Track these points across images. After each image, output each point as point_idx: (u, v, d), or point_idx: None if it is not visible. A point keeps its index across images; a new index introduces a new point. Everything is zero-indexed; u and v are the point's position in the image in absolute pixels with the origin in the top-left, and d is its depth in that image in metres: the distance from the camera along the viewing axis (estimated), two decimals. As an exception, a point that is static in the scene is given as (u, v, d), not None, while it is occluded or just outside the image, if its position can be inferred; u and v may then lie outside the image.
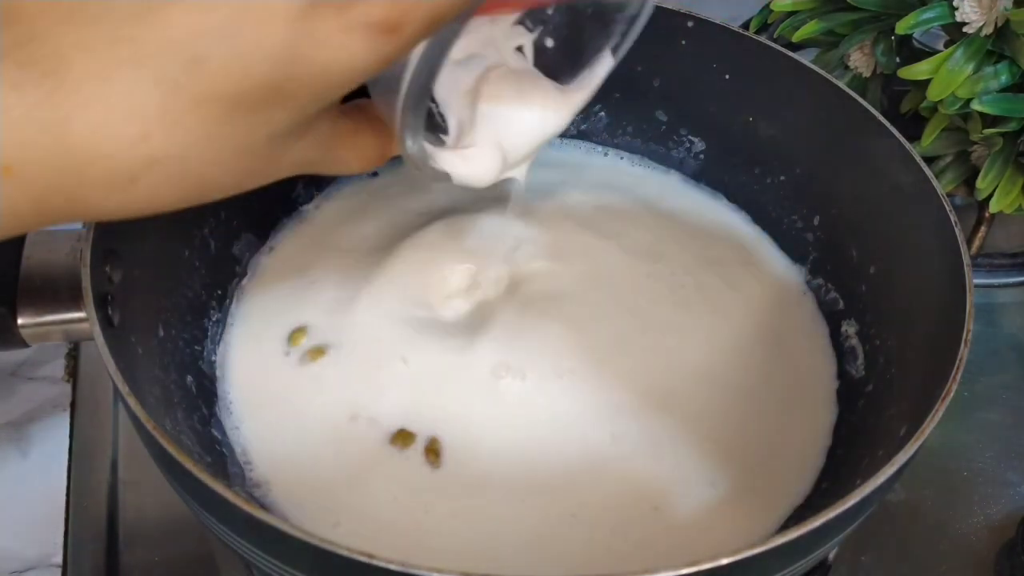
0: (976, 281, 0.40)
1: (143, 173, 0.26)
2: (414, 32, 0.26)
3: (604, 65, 0.39)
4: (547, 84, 0.39)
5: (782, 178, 0.54)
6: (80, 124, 0.24)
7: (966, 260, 0.40)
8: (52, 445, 0.49)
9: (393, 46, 0.26)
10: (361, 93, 0.31)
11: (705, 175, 0.57)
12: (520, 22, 0.39)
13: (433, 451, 0.42)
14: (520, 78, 0.38)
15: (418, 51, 0.28)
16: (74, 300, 0.38)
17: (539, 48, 0.40)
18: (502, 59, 0.38)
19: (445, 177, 0.36)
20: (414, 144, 0.32)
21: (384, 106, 0.32)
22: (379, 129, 0.33)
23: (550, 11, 0.39)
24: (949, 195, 0.46)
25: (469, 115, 0.37)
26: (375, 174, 0.55)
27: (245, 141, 0.27)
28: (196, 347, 0.45)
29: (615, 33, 0.39)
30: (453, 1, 0.26)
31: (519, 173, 0.40)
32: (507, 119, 0.37)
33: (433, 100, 0.36)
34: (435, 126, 0.37)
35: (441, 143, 0.37)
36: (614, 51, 0.39)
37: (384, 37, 0.26)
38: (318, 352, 0.46)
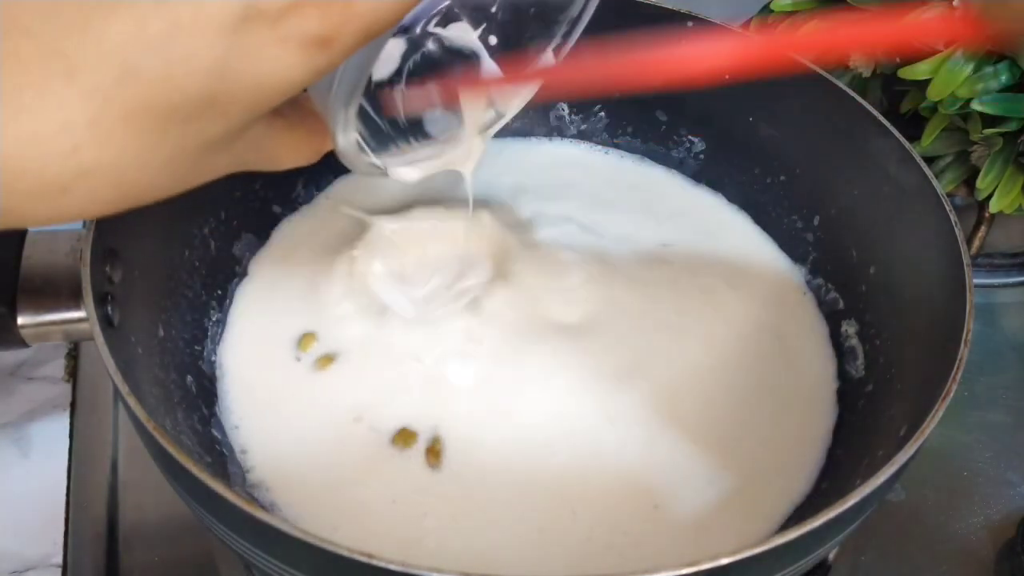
0: (976, 281, 0.40)
1: (73, 184, 0.26)
2: (347, 45, 0.26)
3: (545, 64, 0.39)
4: (494, 72, 0.38)
5: (782, 178, 0.54)
6: (10, 137, 0.24)
7: (966, 260, 0.40)
8: (52, 445, 0.49)
9: (326, 59, 0.26)
10: None
11: (705, 175, 0.57)
12: (464, 19, 0.39)
13: (434, 452, 0.42)
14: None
15: None
16: (74, 300, 0.38)
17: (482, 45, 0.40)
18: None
19: (380, 172, 0.36)
20: (346, 140, 0.32)
21: (319, 101, 0.32)
22: (313, 124, 0.33)
23: (493, 8, 0.39)
24: (949, 195, 0.46)
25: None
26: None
27: (178, 150, 0.27)
28: (196, 347, 0.45)
29: (557, 34, 0.39)
30: (386, 16, 0.26)
31: (466, 169, 0.40)
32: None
33: (373, 95, 0.36)
34: (372, 120, 0.37)
35: (382, 136, 0.36)
36: (556, 52, 0.39)
37: (317, 50, 0.26)
38: (328, 359, 0.46)
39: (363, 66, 0.29)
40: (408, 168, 0.38)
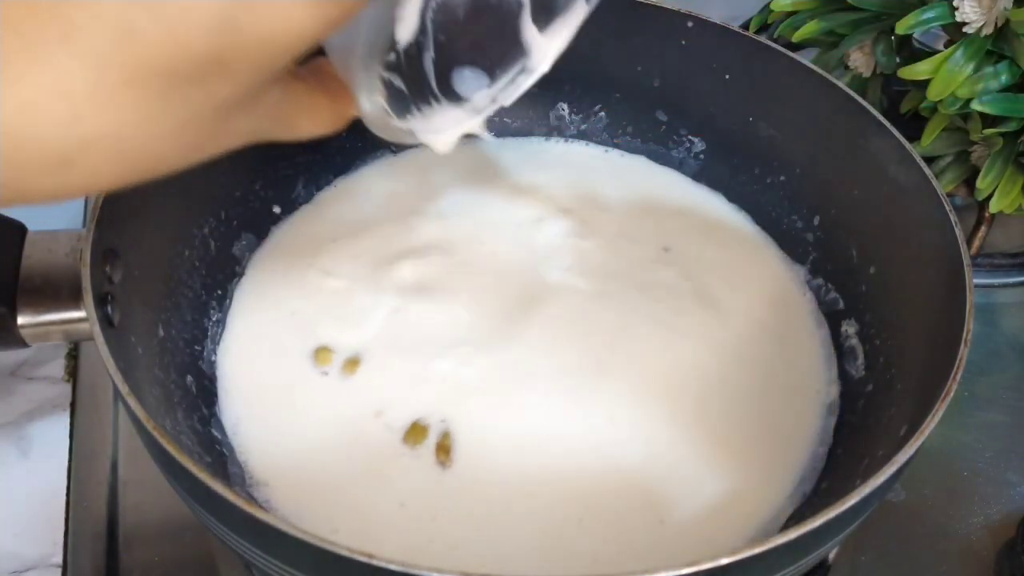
0: (976, 281, 0.40)
1: (78, 154, 0.25)
2: None
3: (579, 11, 0.37)
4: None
5: (782, 178, 0.54)
6: (8, 106, 0.23)
7: (966, 260, 0.40)
8: (52, 445, 0.49)
9: (338, 10, 0.25)
10: (317, 51, 0.29)
11: (705, 175, 0.57)
12: None
13: (444, 449, 0.42)
14: None
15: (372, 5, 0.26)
16: (74, 300, 0.38)
17: None
18: None
19: (410, 138, 0.34)
20: (371, 104, 0.31)
21: (340, 64, 0.30)
22: (336, 90, 0.32)
23: None
24: (949, 195, 0.46)
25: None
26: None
27: (186, 115, 0.26)
28: (196, 347, 0.45)
29: None
30: None
31: (480, 129, 0.38)
32: None
33: (399, 56, 0.34)
34: (396, 87, 0.35)
35: (405, 100, 0.35)
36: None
37: (328, 1, 0.25)
38: (353, 363, 0.46)
39: (383, 22, 0.27)
40: (437, 134, 0.37)
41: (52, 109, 0.24)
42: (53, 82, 0.23)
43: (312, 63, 0.31)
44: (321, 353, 0.46)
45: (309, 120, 0.32)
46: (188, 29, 0.24)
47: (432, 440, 0.43)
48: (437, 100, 0.36)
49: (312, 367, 0.46)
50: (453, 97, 0.36)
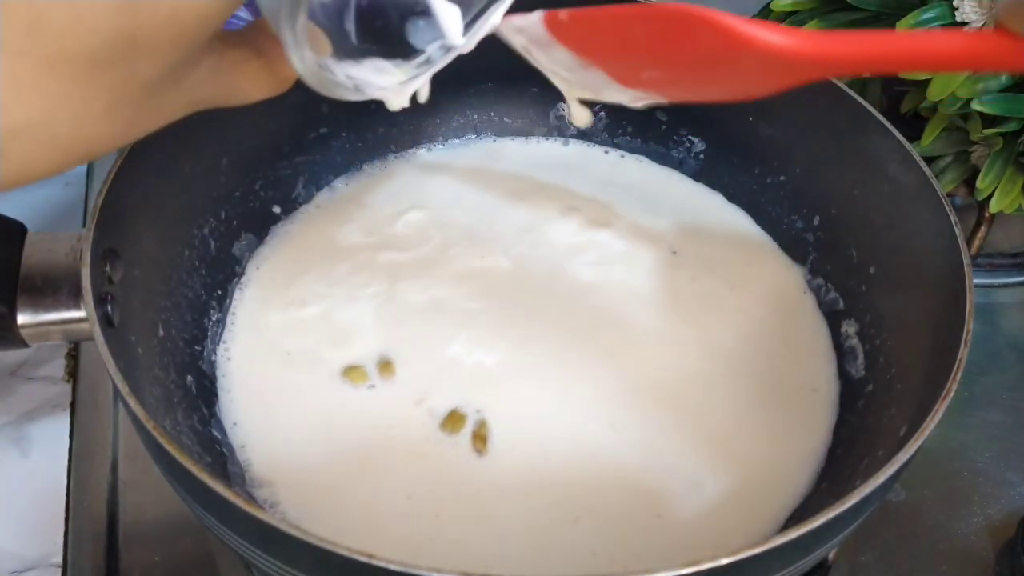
0: (976, 281, 0.40)
1: (8, 144, 0.25)
2: None
3: None
4: None
5: (782, 178, 0.54)
6: None
7: (966, 260, 0.40)
8: (52, 445, 0.49)
9: None
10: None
11: (705, 175, 0.57)
12: None
13: (480, 437, 0.43)
14: None
15: None
16: (74, 300, 0.38)
17: None
18: None
19: (355, 94, 0.34)
20: (301, 61, 0.30)
21: (273, 23, 0.29)
22: (274, 53, 0.32)
23: None
24: (949, 195, 0.46)
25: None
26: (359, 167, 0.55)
27: (113, 97, 0.26)
28: (196, 347, 0.45)
29: None
30: None
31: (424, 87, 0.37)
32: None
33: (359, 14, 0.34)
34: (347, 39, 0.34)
35: (356, 53, 0.34)
36: None
37: None
38: (387, 369, 0.46)
39: None
40: (386, 90, 0.35)
41: None
42: None
43: (246, 26, 0.31)
44: (352, 371, 0.46)
45: (250, 85, 0.32)
46: (95, 15, 0.24)
47: (468, 428, 0.43)
48: (391, 53, 0.34)
49: (350, 386, 0.45)
50: (407, 49, 0.35)
